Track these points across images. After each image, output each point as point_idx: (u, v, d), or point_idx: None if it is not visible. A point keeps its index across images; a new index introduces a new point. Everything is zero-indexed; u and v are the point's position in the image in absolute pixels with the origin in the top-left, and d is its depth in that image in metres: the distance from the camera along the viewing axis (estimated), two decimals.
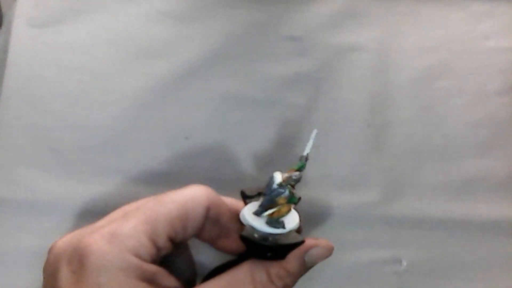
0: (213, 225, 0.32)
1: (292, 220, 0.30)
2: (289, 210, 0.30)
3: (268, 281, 0.30)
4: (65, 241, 0.29)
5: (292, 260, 0.31)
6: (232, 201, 0.34)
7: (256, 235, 0.29)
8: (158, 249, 0.30)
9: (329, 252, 0.32)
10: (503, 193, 0.43)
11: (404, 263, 0.41)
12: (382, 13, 0.48)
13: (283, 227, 0.30)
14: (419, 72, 0.46)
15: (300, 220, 0.31)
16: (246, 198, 0.31)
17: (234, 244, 0.33)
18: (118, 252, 0.28)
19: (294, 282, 0.31)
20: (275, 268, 0.30)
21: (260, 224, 0.29)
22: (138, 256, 0.28)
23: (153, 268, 0.29)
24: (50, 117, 0.43)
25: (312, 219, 0.41)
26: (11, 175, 0.42)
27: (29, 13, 0.46)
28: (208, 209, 0.31)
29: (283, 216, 0.30)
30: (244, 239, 0.30)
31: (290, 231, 0.30)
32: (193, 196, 0.31)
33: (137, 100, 0.44)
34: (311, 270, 0.32)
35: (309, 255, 0.31)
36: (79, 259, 0.27)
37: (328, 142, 0.44)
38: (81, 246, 0.28)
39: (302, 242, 0.31)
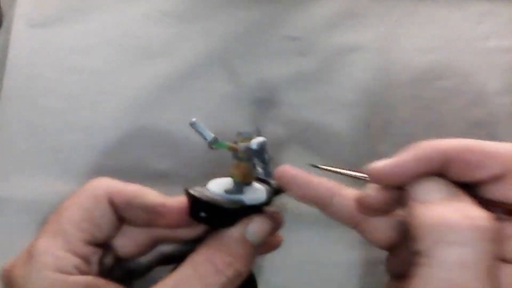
0: (136, 210, 0.31)
1: (256, 196, 0.30)
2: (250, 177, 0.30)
3: (215, 272, 0.28)
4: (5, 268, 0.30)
5: (232, 243, 0.29)
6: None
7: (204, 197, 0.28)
8: (81, 257, 0.29)
9: (270, 223, 0.29)
10: None
11: None
12: (382, 13, 0.48)
13: (241, 199, 0.29)
14: (419, 72, 0.46)
15: (269, 202, 0.30)
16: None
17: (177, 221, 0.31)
18: (36, 272, 0.27)
19: (247, 265, 0.29)
20: (219, 256, 0.28)
21: (216, 189, 0.29)
22: (60, 270, 0.28)
23: (83, 279, 0.28)
24: (50, 117, 0.43)
25: (312, 218, 0.41)
26: (11, 175, 0.42)
27: (29, 13, 0.46)
28: (111, 199, 0.30)
29: (248, 180, 0.30)
30: (187, 194, 0.29)
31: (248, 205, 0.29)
32: (90, 193, 0.30)
33: (137, 100, 0.44)
34: (310, 272, 0.32)
35: (249, 233, 0.29)
36: (10, 286, 0.28)
37: (328, 142, 0.44)
38: (8, 274, 0.28)
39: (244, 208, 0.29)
